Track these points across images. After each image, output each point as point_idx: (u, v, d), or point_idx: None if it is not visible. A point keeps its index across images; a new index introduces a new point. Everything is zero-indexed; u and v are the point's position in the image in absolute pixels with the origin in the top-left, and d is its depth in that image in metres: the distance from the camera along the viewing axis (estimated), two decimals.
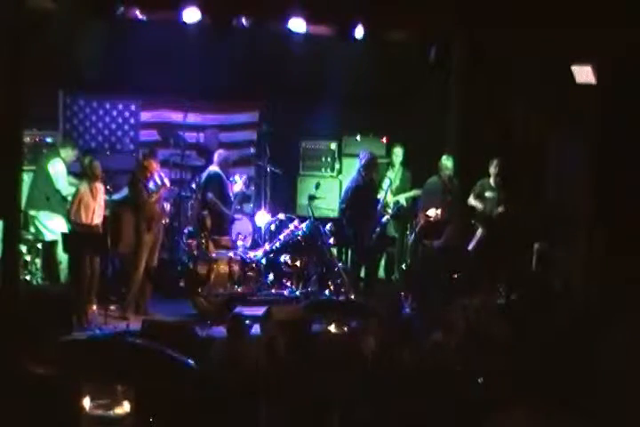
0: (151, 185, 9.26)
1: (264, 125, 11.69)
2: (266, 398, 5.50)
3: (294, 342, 6.20)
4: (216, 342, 6.74)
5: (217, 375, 5.66)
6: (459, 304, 7.35)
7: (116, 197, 9.88)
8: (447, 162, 10.32)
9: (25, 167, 8.98)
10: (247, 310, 8.68)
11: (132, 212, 9.39)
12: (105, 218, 9.34)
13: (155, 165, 9.36)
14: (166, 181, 9.49)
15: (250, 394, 5.47)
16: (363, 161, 10.27)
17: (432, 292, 9.13)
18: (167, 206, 9.61)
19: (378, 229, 10.22)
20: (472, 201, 10.36)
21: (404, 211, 10.70)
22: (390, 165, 10.93)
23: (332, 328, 6.62)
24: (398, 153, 10.88)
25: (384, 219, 10.34)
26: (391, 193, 10.61)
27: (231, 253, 9.66)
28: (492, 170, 10.25)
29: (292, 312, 7.20)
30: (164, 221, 9.62)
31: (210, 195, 9.99)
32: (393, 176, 10.71)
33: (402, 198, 10.76)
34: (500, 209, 10.13)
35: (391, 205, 10.57)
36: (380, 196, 10.39)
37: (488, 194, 10.23)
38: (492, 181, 10.29)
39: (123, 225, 9.62)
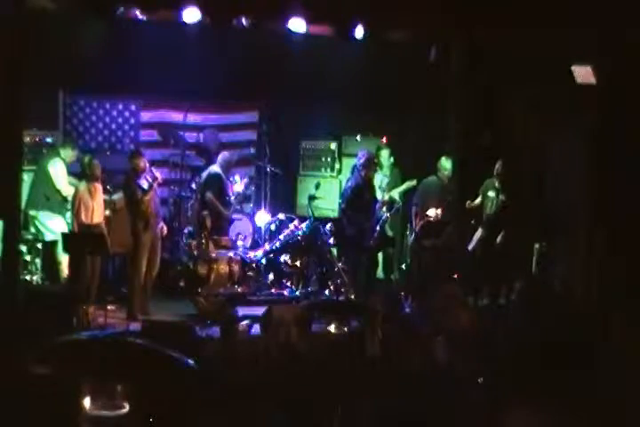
0: (144, 184, 9.21)
1: (264, 125, 11.71)
2: (266, 398, 5.50)
3: (294, 341, 6.20)
4: (210, 343, 6.74)
5: (217, 375, 5.66)
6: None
7: (115, 197, 9.88)
8: (446, 163, 10.36)
9: (25, 167, 8.99)
10: (247, 310, 8.70)
11: (129, 212, 9.38)
12: (105, 218, 9.35)
13: (142, 164, 9.29)
14: (158, 175, 9.39)
15: (250, 394, 5.47)
16: (361, 160, 10.28)
17: (432, 292, 9.12)
18: (159, 200, 9.50)
19: (377, 229, 10.25)
20: (478, 200, 10.39)
21: (400, 209, 10.73)
22: (379, 166, 10.94)
23: (332, 328, 6.62)
24: (385, 155, 10.97)
25: (383, 217, 10.38)
26: (385, 191, 10.66)
27: (231, 253, 9.67)
28: (496, 170, 10.27)
29: (292, 312, 7.20)
30: (160, 225, 9.54)
31: (209, 194, 10.00)
32: (383, 176, 10.76)
33: (395, 194, 10.77)
34: (500, 209, 10.14)
35: (384, 207, 10.60)
36: (379, 195, 10.44)
37: (490, 193, 10.24)
38: (495, 181, 10.30)
39: (121, 225, 9.61)
